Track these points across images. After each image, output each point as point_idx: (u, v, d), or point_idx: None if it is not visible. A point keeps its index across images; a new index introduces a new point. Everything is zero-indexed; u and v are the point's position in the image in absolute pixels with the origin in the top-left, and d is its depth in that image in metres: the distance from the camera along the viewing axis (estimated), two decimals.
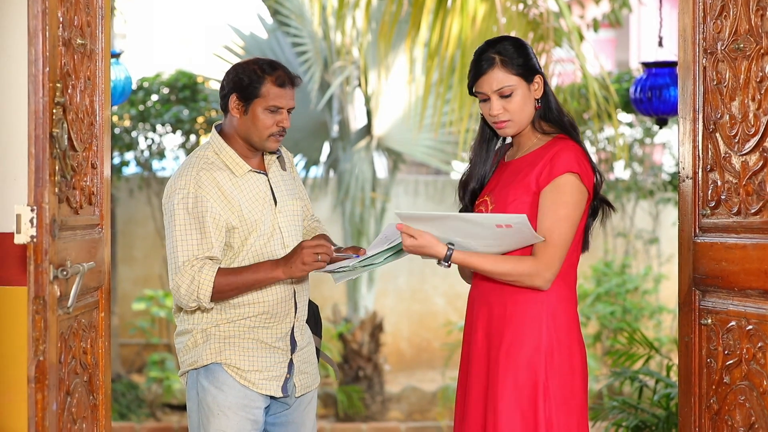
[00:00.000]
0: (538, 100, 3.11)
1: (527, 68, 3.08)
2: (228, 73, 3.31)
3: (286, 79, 3.27)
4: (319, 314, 3.53)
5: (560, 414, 2.99)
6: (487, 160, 3.23)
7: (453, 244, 2.99)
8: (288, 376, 3.35)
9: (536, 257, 2.98)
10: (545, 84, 3.13)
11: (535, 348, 3.00)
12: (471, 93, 3.14)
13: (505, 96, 3.07)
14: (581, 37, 6.40)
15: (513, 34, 5.93)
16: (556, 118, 3.12)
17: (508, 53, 3.08)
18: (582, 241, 3.12)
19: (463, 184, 3.26)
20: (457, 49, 5.94)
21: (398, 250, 3.20)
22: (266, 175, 3.36)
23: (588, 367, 3.14)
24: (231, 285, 3.19)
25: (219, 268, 3.19)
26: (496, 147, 3.24)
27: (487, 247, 3.00)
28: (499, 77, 3.06)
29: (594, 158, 8.71)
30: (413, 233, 2.99)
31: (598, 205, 3.13)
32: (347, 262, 3.23)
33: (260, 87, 3.24)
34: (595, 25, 7.89)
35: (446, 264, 3.01)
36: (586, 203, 3.04)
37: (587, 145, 8.46)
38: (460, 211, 3.23)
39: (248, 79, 3.25)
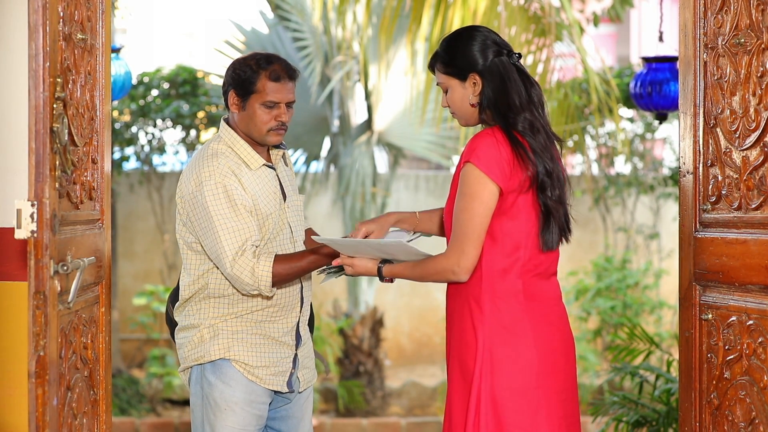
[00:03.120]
0: (479, 97, 3.05)
1: (456, 67, 3.07)
2: (228, 69, 3.31)
3: (282, 73, 3.26)
4: (313, 312, 3.54)
5: (507, 410, 2.94)
6: None
7: (389, 260, 3.12)
8: (293, 371, 3.36)
9: (443, 253, 3.00)
10: (486, 80, 3.04)
11: (474, 345, 2.98)
12: None
13: (445, 91, 3.14)
14: (582, 31, 6.39)
15: (514, 28, 5.93)
16: (501, 114, 3.03)
17: (443, 51, 3.11)
18: (529, 239, 3.00)
19: None
20: None
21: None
22: (275, 170, 3.37)
23: (573, 363, 3.08)
24: (291, 272, 3.21)
25: (276, 255, 3.20)
26: None
27: (406, 257, 3.09)
28: (437, 73, 3.14)
29: (594, 153, 8.77)
30: (348, 263, 3.15)
31: (545, 205, 3.01)
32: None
33: (256, 82, 3.24)
34: (595, 20, 7.89)
35: (384, 279, 3.14)
36: (493, 192, 2.93)
37: (588, 140, 8.46)
38: None
39: (244, 74, 3.25)
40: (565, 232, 3.07)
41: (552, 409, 3.00)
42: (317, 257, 3.23)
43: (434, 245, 3.38)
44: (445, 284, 3.12)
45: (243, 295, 3.27)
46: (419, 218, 3.40)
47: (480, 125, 3.15)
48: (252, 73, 3.24)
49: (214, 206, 3.18)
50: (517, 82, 3.04)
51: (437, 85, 3.16)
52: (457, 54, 3.07)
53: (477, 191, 2.94)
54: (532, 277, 3.03)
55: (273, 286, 3.20)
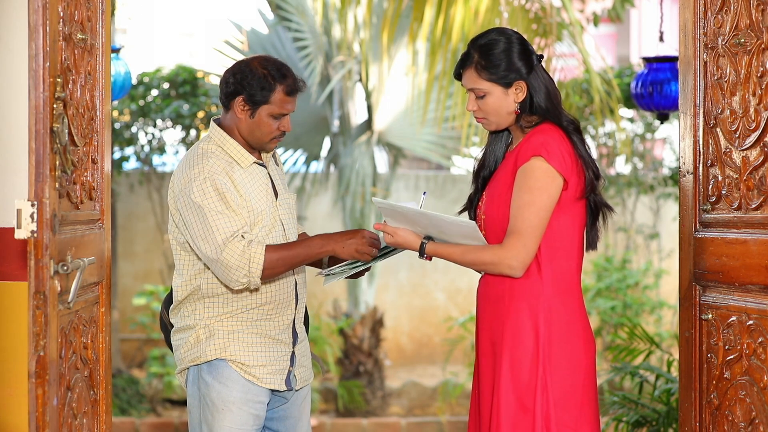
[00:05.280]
0: (519, 103, 3.06)
1: (500, 75, 3.05)
2: (235, 73, 3.28)
3: (295, 86, 3.29)
4: (307, 311, 3.54)
5: (558, 408, 2.99)
6: (498, 146, 3.22)
7: (431, 237, 3.09)
8: (290, 368, 3.36)
9: (501, 245, 2.99)
10: (532, 87, 3.06)
11: (533, 343, 3.00)
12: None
13: (479, 96, 3.09)
14: (582, 29, 6.39)
15: (514, 28, 5.93)
16: (542, 110, 3.06)
17: (484, 58, 3.06)
18: (582, 238, 3.09)
19: (476, 170, 3.25)
20: (460, 42, 5.94)
21: (385, 252, 3.27)
22: (266, 168, 3.37)
23: (595, 362, 3.14)
24: (282, 260, 3.17)
25: (267, 245, 3.17)
26: (511, 136, 3.22)
27: (459, 239, 3.05)
28: (472, 78, 3.09)
29: (594, 153, 8.76)
30: (390, 231, 3.11)
31: (595, 204, 3.08)
32: (338, 266, 3.30)
33: (271, 95, 3.25)
34: (595, 20, 7.89)
35: (424, 256, 3.09)
36: (559, 187, 2.97)
37: (588, 140, 8.46)
38: (471, 197, 3.25)
39: (259, 85, 3.24)
40: (599, 232, 3.14)
41: (591, 407, 3.07)
42: (308, 245, 3.20)
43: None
44: (454, 284, 3.13)
45: (235, 293, 3.26)
46: None
47: (508, 129, 3.15)
48: (268, 85, 3.24)
49: (204, 201, 3.17)
50: (554, 84, 3.10)
51: (468, 90, 3.11)
52: (501, 61, 3.05)
53: (546, 185, 2.96)
54: (580, 276, 3.10)
55: (263, 276, 3.16)
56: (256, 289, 3.27)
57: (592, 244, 3.12)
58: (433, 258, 3.14)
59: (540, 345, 2.99)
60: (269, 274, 3.18)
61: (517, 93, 3.06)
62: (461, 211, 3.29)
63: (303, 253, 3.20)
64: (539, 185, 2.95)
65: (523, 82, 3.05)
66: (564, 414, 3.00)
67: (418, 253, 3.10)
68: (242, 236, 3.15)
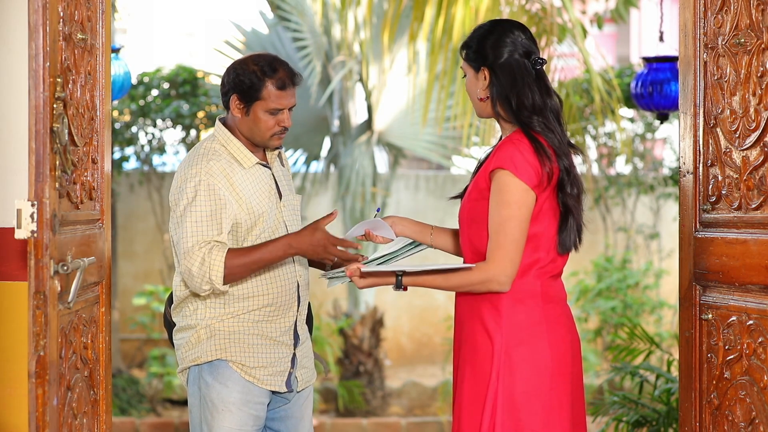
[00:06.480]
0: (489, 92, 3.05)
1: (474, 56, 3.07)
2: (228, 72, 3.30)
3: (287, 80, 3.26)
4: (311, 312, 3.54)
5: (506, 414, 2.93)
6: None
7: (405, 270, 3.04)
8: (291, 370, 3.36)
9: (486, 263, 2.96)
10: (496, 77, 3.02)
11: (489, 347, 2.98)
12: None
13: (463, 76, 3.14)
14: (585, 32, 6.39)
15: None
16: (514, 113, 3.02)
17: (469, 37, 3.12)
18: (547, 243, 3.01)
19: (477, 165, 3.22)
20: (460, 42, 5.94)
21: (390, 258, 3.25)
22: (270, 169, 3.37)
23: (580, 365, 3.09)
24: (243, 266, 3.16)
25: (229, 249, 3.17)
26: None
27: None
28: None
29: (594, 153, 8.76)
30: (362, 275, 3.06)
31: (564, 207, 3.01)
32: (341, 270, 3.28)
33: (261, 90, 3.24)
34: (599, 22, 7.89)
35: (401, 288, 3.06)
36: (534, 199, 2.94)
37: (588, 140, 8.46)
38: (462, 191, 3.23)
39: (249, 81, 3.24)
40: (579, 236, 3.07)
41: (563, 410, 3.01)
42: (272, 249, 3.18)
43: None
44: None
45: (236, 294, 3.26)
46: (432, 236, 3.34)
47: (495, 119, 3.13)
48: (257, 80, 3.24)
49: (192, 203, 3.17)
50: (531, 87, 3.02)
51: (461, 67, 3.16)
52: (479, 44, 3.07)
53: (521, 199, 2.93)
54: (548, 278, 3.04)
55: (227, 281, 3.16)
56: (264, 288, 3.28)
57: (564, 247, 3.04)
58: (435, 252, 3.14)
59: (495, 350, 2.96)
60: (231, 280, 3.18)
61: (484, 80, 3.06)
62: (453, 197, 3.29)
63: (266, 258, 3.18)
64: (515, 199, 2.93)
65: (487, 69, 3.05)
66: (529, 418, 2.95)
67: (394, 285, 3.06)
68: (209, 243, 3.15)
